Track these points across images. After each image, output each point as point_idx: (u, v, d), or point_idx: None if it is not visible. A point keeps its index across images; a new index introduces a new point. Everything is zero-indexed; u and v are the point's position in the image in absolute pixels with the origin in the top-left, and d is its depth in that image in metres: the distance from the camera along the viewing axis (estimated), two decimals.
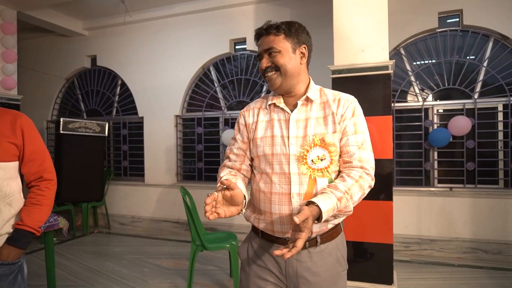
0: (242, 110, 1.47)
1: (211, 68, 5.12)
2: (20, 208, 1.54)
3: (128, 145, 5.68)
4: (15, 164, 1.53)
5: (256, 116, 1.40)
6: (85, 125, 5.15)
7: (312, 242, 1.29)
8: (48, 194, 1.57)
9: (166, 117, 5.23)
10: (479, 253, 3.83)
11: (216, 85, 5.10)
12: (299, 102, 1.33)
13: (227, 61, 5.06)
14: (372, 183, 1.28)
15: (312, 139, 1.26)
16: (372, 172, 1.29)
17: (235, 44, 4.98)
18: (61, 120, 4.90)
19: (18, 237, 1.49)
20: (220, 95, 5.11)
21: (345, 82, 2.76)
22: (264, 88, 4.86)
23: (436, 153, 4.16)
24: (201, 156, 5.21)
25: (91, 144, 5.21)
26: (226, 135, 4.77)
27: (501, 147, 3.97)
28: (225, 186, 1.19)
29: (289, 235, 1.29)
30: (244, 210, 1.24)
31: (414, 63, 4.27)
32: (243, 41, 4.86)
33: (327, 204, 1.14)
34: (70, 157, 5.00)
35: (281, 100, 1.36)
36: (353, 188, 1.22)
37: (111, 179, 5.56)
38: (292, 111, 1.33)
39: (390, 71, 2.69)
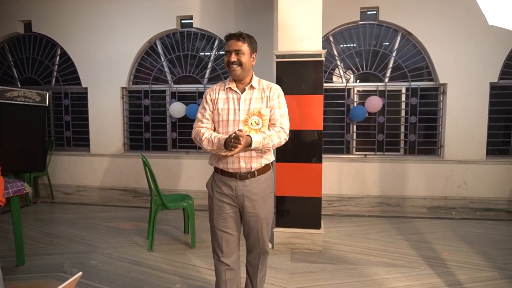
0: (207, 90, 2.14)
1: (158, 42, 5.31)
2: None
3: (70, 116, 5.67)
4: None
5: (217, 94, 2.09)
6: (24, 94, 5.02)
7: (252, 174, 2.02)
8: None
9: (112, 88, 5.34)
10: (384, 206, 4.85)
11: (162, 59, 5.33)
12: (246, 88, 2.04)
13: (174, 36, 5.29)
14: (287, 138, 2.04)
15: (253, 111, 1.99)
16: (287, 132, 2.05)
17: (182, 20, 5.21)
18: None
19: None
20: (166, 69, 5.36)
21: (287, 65, 3.32)
22: (209, 65, 5.23)
23: (355, 127, 5.03)
24: (148, 127, 5.47)
25: (31, 114, 5.10)
26: (174, 107, 5.09)
27: (402, 122, 4.97)
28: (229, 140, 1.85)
29: (237, 170, 2.02)
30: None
31: (341, 46, 5.01)
32: (189, 18, 5.13)
33: (256, 138, 1.88)
34: (9, 127, 4.88)
35: (235, 85, 2.06)
36: (273, 135, 1.96)
37: (53, 150, 5.54)
38: (242, 93, 2.03)
39: (323, 58, 3.31)
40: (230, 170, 2.01)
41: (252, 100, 2.00)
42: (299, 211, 3.47)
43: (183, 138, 5.36)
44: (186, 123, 5.28)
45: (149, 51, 5.36)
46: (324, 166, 4.86)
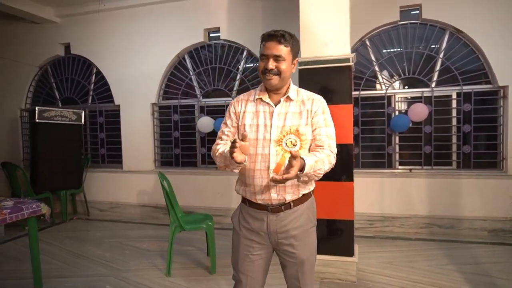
0: (232, 101, 1.78)
1: (186, 57, 5.23)
2: None
3: (105, 133, 5.76)
4: None
5: (244, 107, 1.72)
6: (61, 113, 5.18)
7: (287, 206, 1.65)
8: None
9: (143, 105, 5.33)
10: (434, 227, 4.24)
11: (191, 73, 5.23)
12: (282, 99, 1.67)
13: (202, 49, 5.18)
14: (335, 162, 1.66)
15: (289, 128, 1.61)
16: (335, 156, 1.67)
17: (209, 33, 5.10)
18: (36, 109, 4.92)
19: None
20: (195, 83, 5.25)
21: (311, 73, 2.98)
22: (238, 77, 5.03)
23: (397, 138, 4.50)
24: (177, 143, 5.37)
25: (68, 133, 5.26)
26: (201, 122, 4.94)
27: (454, 132, 4.35)
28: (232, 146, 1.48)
29: (268, 202, 1.65)
30: (246, 163, 1.55)
31: (384, 50, 4.55)
32: (217, 30, 4.99)
33: (309, 160, 1.49)
34: (47, 146, 5.04)
35: (267, 96, 1.69)
36: (325, 159, 1.58)
37: (89, 167, 5.64)
38: (275, 106, 1.67)
39: (351, 63, 2.93)
40: (259, 202, 1.66)
41: (288, 115, 1.63)
42: (328, 235, 3.07)
43: None
44: (215, 138, 5.08)
45: (178, 66, 5.30)
46: (363, 182, 4.42)
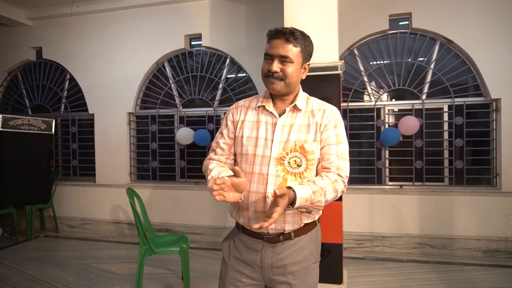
0: (230, 107, 1.53)
1: (166, 64, 4.95)
2: None
3: (77, 143, 5.38)
4: None
5: (243, 115, 1.46)
6: (28, 122, 4.81)
7: (286, 236, 1.38)
8: None
9: (118, 114, 5.00)
10: (426, 248, 3.99)
11: (171, 81, 4.94)
12: (287, 109, 1.40)
13: (182, 57, 4.90)
14: (345, 190, 1.37)
15: (294, 144, 1.33)
16: (346, 181, 1.37)
17: (191, 40, 4.84)
18: (0, 116, 4.53)
19: None
20: (175, 92, 4.95)
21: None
22: (221, 86, 4.76)
23: (387, 152, 4.28)
24: (155, 155, 5.03)
25: (36, 143, 4.88)
26: (181, 133, 4.62)
27: (446, 146, 4.14)
28: (224, 178, 1.24)
29: (264, 230, 1.38)
30: (242, 198, 1.31)
31: (370, 63, 4.35)
32: (198, 37, 4.73)
33: (302, 192, 1.23)
34: (11, 157, 4.64)
35: (271, 103, 1.43)
36: (328, 187, 1.30)
37: (59, 180, 5.24)
38: (280, 116, 1.40)
39: (340, 71, 2.70)
40: (254, 229, 1.36)
41: (293, 128, 1.36)
42: None
43: (192, 167, 4.84)
44: (195, 150, 4.78)
45: (157, 74, 5.00)
46: (351, 199, 4.16)
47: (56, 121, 5.17)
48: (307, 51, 1.40)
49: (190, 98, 4.91)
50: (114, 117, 5.01)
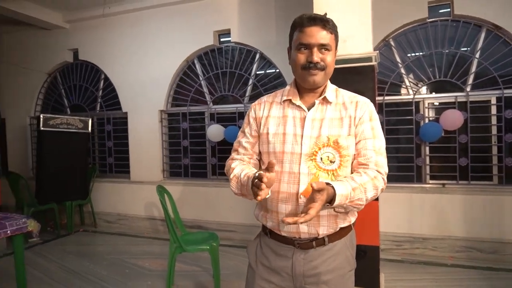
0: (253, 103, 1.43)
1: (196, 61, 4.94)
2: None
3: (113, 141, 5.52)
4: None
5: (267, 111, 1.36)
6: (66, 121, 4.98)
7: (319, 241, 1.27)
8: None
9: (150, 112, 5.06)
10: (473, 252, 3.71)
11: (201, 78, 4.93)
12: (317, 101, 1.30)
13: (212, 54, 4.87)
14: (384, 187, 1.26)
15: (326, 140, 1.23)
16: (385, 178, 1.27)
17: (220, 36, 4.79)
18: (41, 116, 4.73)
19: None
20: (205, 89, 4.94)
21: None
22: (250, 82, 4.69)
23: (427, 148, 4.01)
24: (186, 152, 5.05)
25: (74, 141, 5.05)
26: (211, 130, 4.61)
27: (494, 142, 3.82)
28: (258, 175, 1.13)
29: (296, 235, 1.28)
30: (269, 195, 1.19)
31: (408, 54, 4.10)
32: (227, 33, 4.68)
33: (341, 188, 1.13)
34: (52, 155, 4.84)
35: (298, 97, 1.32)
36: (368, 184, 1.20)
37: (96, 176, 5.40)
38: (309, 110, 1.30)
39: (374, 62, 2.53)
40: (284, 234, 1.29)
41: (325, 122, 1.26)
42: None
43: (223, 164, 4.79)
44: (226, 147, 4.74)
45: (187, 71, 5.01)
46: (389, 198, 3.94)
47: (92, 120, 5.33)
48: (337, 39, 1.31)
49: (220, 94, 4.87)
50: (147, 115, 5.08)
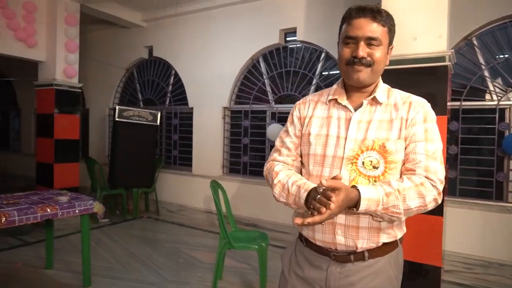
0: (297, 102, 1.36)
1: (260, 60, 4.95)
2: None
3: (178, 135, 5.79)
4: None
5: (311, 110, 1.28)
6: (138, 113, 5.34)
7: (358, 255, 1.15)
8: None
9: (215, 108, 5.20)
10: None
11: (264, 77, 4.93)
12: (365, 102, 1.19)
13: (277, 53, 4.84)
14: (439, 198, 1.10)
15: (372, 143, 1.13)
16: (440, 186, 1.10)
17: (286, 34, 4.74)
18: (117, 108, 5.13)
19: None
20: (268, 88, 4.93)
21: (393, 75, 2.39)
22: (314, 81, 4.56)
23: (511, 162, 3.53)
24: (246, 150, 5.10)
25: (144, 132, 5.39)
26: (271, 129, 4.58)
27: None
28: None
29: (331, 246, 1.17)
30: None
31: (496, 56, 3.64)
32: (293, 31, 4.61)
33: (369, 192, 1.02)
34: (124, 144, 5.22)
35: (345, 96, 1.23)
36: (410, 191, 1.05)
37: (161, 167, 5.71)
38: (355, 110, 1.19)
39: (448, 62, 2.27)
40: (319, 243, 1.20)
41: (372, 124, 1.15)
42: (406, 282, 2.41)
43: None
44: None
45: (251, 69, 5.05)
46: (462, 214, 3.55)
47: (161, 113, 5.63)
48: (392, 33, 1.18)
49: (283, 94, 4.83)
50: (211, 111, 5.23)
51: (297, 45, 4.69)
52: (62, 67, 4.70)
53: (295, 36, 4.59)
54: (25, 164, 7.42)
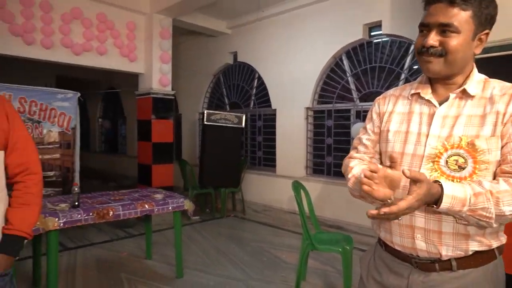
0: (377, 98, 1.28)
1: (343, 57, 4.80)
2: (5, 208, 1.27)
3: (262, 136, 5.94)
4: (2, 154, 1.26)
5: (392, 105, 1.19)
6: (224, 116, 5.61)
7: (444, 265, 1.03)
8: (36, 192, 1.33)
9: (297, 109, 5.21)
10: None
11: (348, 75, 4.77)
12: (452, 95, 1.06)
13: (360, 49, 4.64)
14: None
15: (458, 140, 1.00)
16: None
17: (370, 29, 4.52)
18: (205, 112, 5.47)
19: (9, 243, 1.23)
20: (352, 86, 4.75)
21: (495, 63, 2.11)
22: (402, 76, 4.26)
23: None
24: (330, 150, 4.99)
25: (230, 134, 5.65)
26: (356, 128, 4.41)
27: None
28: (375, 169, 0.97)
29: (412, 252, 1.08)
30: (392, 199, 0.97)
31: None
32: (378, 25, 4.37)
33: (454, 190, 0.92)
34: (212, 146, 5.54)
35: (429, 89, 1.11)
36: (505, 195, 0.91)
37: (246, 168, 5.92)
38: (440, 105, 1.07)
39: None
40: (397, 248, 1.11)
41: (460, 120, 1.02)
42: None
43: None
44: None
45: (334, 68, 4.92)
46: None
47: (246, 116, 5.84)
48: (485, 15, 0.99)
49: (368, 91, 4.61)
50: (293, 112, 5.25)
51: (383, 39, 4.44)
52: (158, 77, 5.19)
53: (380, 30, 4.35)
54: (130, 165, 8.37)
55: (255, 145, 6.08)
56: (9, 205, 1.28)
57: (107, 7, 4.75)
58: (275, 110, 5.55)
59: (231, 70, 6.45)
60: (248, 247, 4.26)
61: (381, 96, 1.27)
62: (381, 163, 1.23)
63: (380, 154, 1.23)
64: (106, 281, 3.22)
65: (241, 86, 6.27)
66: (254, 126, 6.09)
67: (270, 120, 5.79)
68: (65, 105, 4.34)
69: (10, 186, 1.30)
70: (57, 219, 2.52)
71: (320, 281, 3.29)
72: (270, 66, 5.55)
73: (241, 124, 5.72)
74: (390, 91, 1.25)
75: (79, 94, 4.45)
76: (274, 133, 5.61)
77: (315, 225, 3.38)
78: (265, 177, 5.73)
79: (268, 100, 5.67)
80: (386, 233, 1.14)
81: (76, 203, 2.74)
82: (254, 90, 6.03)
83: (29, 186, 1.30)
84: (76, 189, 2.78)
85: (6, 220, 1.24)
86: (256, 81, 5.99)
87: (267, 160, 5.88)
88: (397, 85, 4.21)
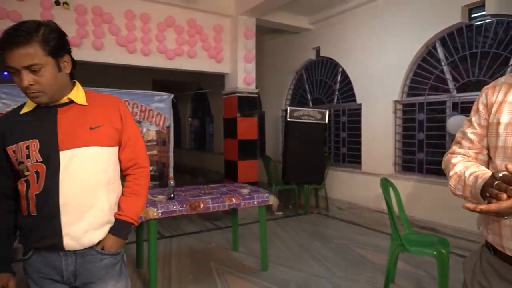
0: (485, 87, 1.16)
1: (437, 45, 4.39)
2: (119, 196, 1.43)
3: (346, 132, 5.76)
4: (117, 149, 1.42)
5: (503, 95, 1.07)
6: (307, 113, 5.58)
7: None
8: (144, 184, 1.48)
9: (384, 103, 4.94)
10: None
11: (443, 63, 4.35)
12: None
13: (458, 34, 4.19)
14: None
15: None
16: None
17: (470, 11, 4.05)
18: (288, 109, 5.51)
19: (120, 227, 1.38)
20: (448, 76, 4.33)
21: None
22: (511, 62, 3.74)
23: None
24: (422, 146, 4.62)
25: (313, 131, 5.60)
26: (453, 122, 4.03)
27: None
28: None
29: None
30: None
31: None
32: (480, 5, 3.90)
33: None
34: (295, 142, 5.56)
35: None
36: None
37: (330, 165, 5.80)
38: None
39: None
40: (509, 253, 1.01)
41: None
42: None
43: None
44: None
45: (426, 57, 4.54)
46: None
47: (329, 112, 5.73)
48: None
49: (468, 80, 4.15)
50: (380, 106, 4.99)
51: (487, 21, 3.95)
52: (242, 76, 5.38)
53: (483, 10, 3.88)
54: (217, 161, 8.84)
55: (339, 141, 5.93)
56: (122, 194, 1.44)
57: (196, 13, 5.08)
58: (360, 104, 5.34)
59: (314, 65, 6.38)
60: (331, 244, 4.18)
61: (490, 85, 1.13)
62: (490, 159, 1.10)
63: (489, 149, 1.10)
64: (197, 268, 3.47)
65: (324, 81, 6.17)
66: (337, 122, 5.95)
67: (354, 115, 5.59)
68: (161, 106, 4.77)
69: (123, 178, 1.48)
70: (156, 209, 2.79)
71: (411, 285, 3.08)
72: (354, 59, 5.35)
73: (325, 120, 5.62)
74: (502, 79, 1.11)
75: (172, 96, 4.85)
76: (359, 129, 5.41)
77: (406, 225, 3.17)
78: (350, 174, 5.56)
79: (353, 95, 5.48)
80: (495, 236, 1.03)
81: (172, 195, 3.00)
82: (338, 85, 5.88)
83: (138, 178, 1.46)
84: (171, 182, 3.05)
85: (119, 207, 1.41)
86: (339, 75, 5.83)
87: (351, 156, 5.70)
88: (505, 72, 3.76)
